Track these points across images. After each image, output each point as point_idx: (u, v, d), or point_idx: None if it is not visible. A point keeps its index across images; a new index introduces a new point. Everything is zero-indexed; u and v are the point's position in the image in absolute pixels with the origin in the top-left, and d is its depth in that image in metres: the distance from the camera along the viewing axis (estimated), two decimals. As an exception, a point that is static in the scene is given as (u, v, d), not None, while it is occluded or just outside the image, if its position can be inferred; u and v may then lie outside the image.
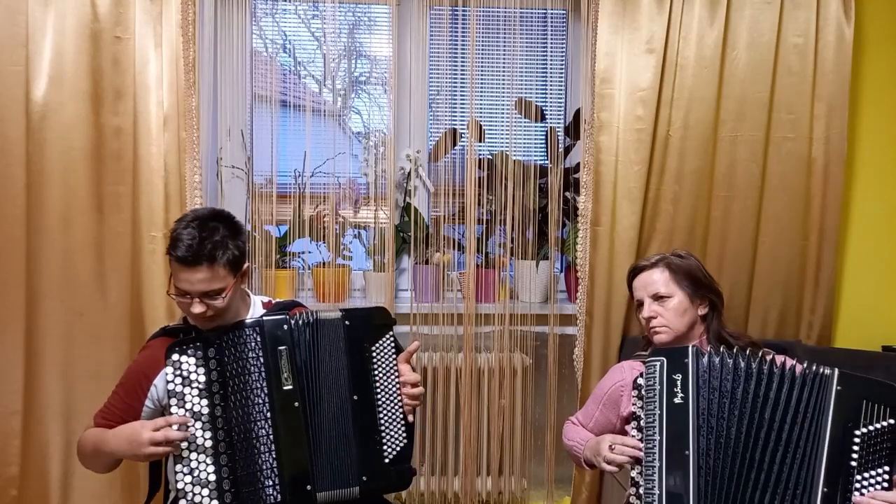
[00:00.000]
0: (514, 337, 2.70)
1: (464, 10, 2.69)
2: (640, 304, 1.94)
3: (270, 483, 1.61)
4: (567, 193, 2.75)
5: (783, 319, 2.60)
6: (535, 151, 2.88)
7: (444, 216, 2.77)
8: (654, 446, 1.60)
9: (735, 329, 2.03)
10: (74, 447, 2.34)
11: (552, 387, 2.69)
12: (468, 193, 2.68)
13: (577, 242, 2.62)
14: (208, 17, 2.66)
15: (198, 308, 1.64)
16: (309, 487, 1.64)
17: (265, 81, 2.75)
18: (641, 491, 1.61)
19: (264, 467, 1.62)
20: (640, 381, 1.68)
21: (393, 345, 1.78)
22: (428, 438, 2.67)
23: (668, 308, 1.89)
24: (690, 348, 1.66)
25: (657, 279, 1.92)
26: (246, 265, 1.73)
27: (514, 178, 2.69)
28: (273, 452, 1.63)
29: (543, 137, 2.81)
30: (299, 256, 2.77)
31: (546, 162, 2.79)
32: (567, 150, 2.79)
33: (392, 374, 1.75)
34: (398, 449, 1.72)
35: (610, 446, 1.70)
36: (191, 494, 1.58)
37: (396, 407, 1.74)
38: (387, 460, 1.71)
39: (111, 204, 2.42)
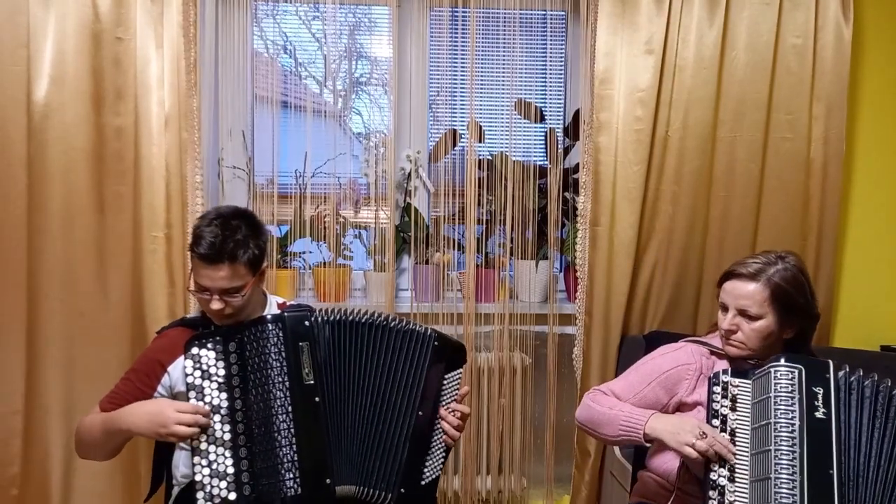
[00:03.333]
0: (513, 336, 2.70)
1: (464, 11, 2.70)
2: (724, 308, 1.77)
3: (290, 476, 1.62)
4: (566, 194, 2.76)
5: (782, 319, 2.61)
6: (535, 152, 2.89)
7: (444, 216, 2.78)
8: (794, 458, 1.48)
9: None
10: (74, 437, 2.36)
11: (552, 386, 2.70)
12: (468, 193, 2.68)
13: (577, 242, 2.63)
14: (209, 17, 2.66)
15: (216, 305, 1.67)
16: (328, 480, 1.64)
17: (266, 82, 2.76)
18: (730, 497, 1.51)
19: (284, 460, 1.62)
20: (726, 378, 1.59)
21: (459, 382, 1.80)
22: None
23: (752, 328, 1.73)
24: (831, 363, 1.56)
25: (752, 295, 1.72)
26: (265, 265, 1.75)
27: (513, 178, 2.70)
28: (293, 445, 1.63)
29: (543, 138, 2.82)
30: (300, 256, 2.77)
31: (545, 162, 2.79)
32: (566, 151, 2.80)
33: (450, 409, 1.78)
34: (434, 476, 1.74)
35: (702, 434, 1.58)
36: (209, 486, 1.59)
37: (443, 438, 1.77)
38: (423, 482, 1.72)
39: (112, 204, 2.43)
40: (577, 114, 2.73)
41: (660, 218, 2.57)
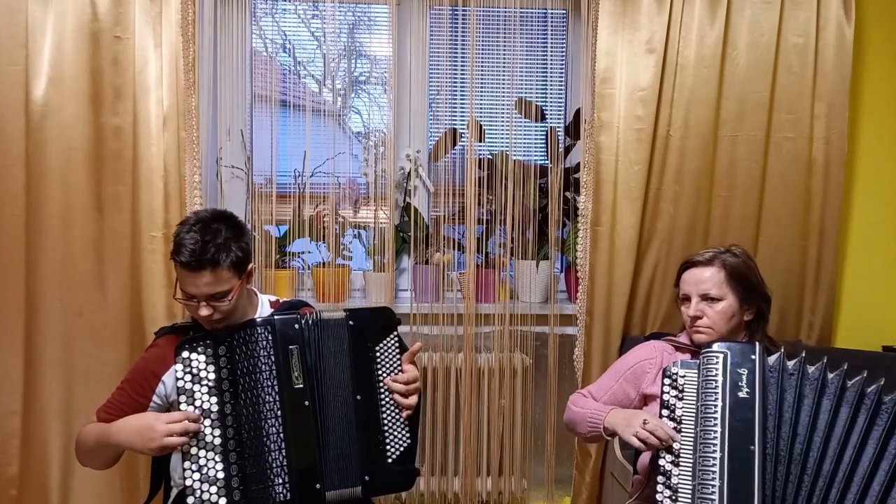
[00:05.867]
0: (514, 337, 2.69)
1: (464, 10, 2.69)
2: (686, 299, 1.88)
3: (280, 481, 1.62)
4: (567, 193, 2.75)
5: (783, 319, 2.60)
6: (535, 151, 2.88)
7: (444, 216, 2.77)
8: (715, 437, 1.55)
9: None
10: (74, 447, 2.35)
11: (552, 387, 2.69)
12: (468, 193, 2.67)
13: (578, 242, 2.62)
14: (208, 16, 2.66)
15: (204, 311, 1.65)
16: (318, 486, 1.64)
17: (265, 81, 2.75)
18: (675, 480, 1.57)
19: (274, 465, 1.62)
20: (675, 369, 1.65)
21: (397, 345, 1.77)
22: (428, 438, 2.67)
23: (716, 310, 1.83)
24: (757, 345, 1.63)
25: (710, 278, 1.85)
26: (251, 265, 1.73)
27: (514, 178, 2.69)
28: (283, 450, 1.63)
29: (543, 137, 2.81)
30: (299, 256, 2.76)
31: (546, 162, 2.78)
32: (567, 150, 2.79)
33: (396, 375, 1.75)
34: (401, 449, 1.73)
35: (644, 422, 1.66)
36: (199, 492, 1.58)
37: (398, 408, 1.75)
38: (390, 460, 1.71)
39: (111, 204, 2.42)
40: (577, 113, 2.72)
41: (661, 218, 2.56)
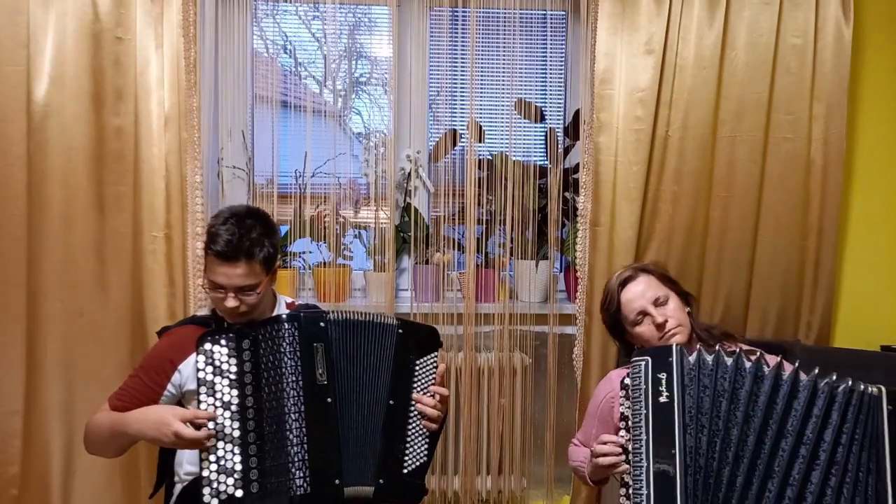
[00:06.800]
0: (513, 336, 2.70)
1: (464, 11, 2.70)
2: (644, 313, 1.88)
3: (300, 475, 1.63)
4: (566, 194, 2.76)
5: (782, 319, 2.61)
6: (535, 152, 2.89)
7: (444, 216, 2.78)
8: (641, 446, 1.58)
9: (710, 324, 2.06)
10: (75, 447, 2.36)
11: (552, 386, 2.70)
12: (468, 193, 2.68)
13: (577, 242, 2.63)
14: (209, 17, 2.66)
15: (231, 302, 1.68)
16: (337, 481, 1.66)
17: (266, 82, 2.76)
18: (630, 491, 1.60)
19: (295, 459, 1.63)
20: (627, 380, 1.67)
21: (435, 366, 1.81)
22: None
23: (673, 308, 1.86)
24: (674, 347, 1.64)
25: (650, 284, 1.89)
26: (278, 264, 1.77)
27: (513, 178, 2.70)
28: (304, 445, 1.64)
29: (543, 138, 2.82)
30: (300, 256, 2.77)
31: (546, 162, 2.79)
32: (566, 151, 2.80)
33: (428, 392, 1.79)
34: (418, 463, 1.75)
35: (594, 455, 1.71)
36: (216, 483, 1.60)
37: (423, 423, 1.78)
38: (405, 470, 1.73)
39: (112, 204, 2.42)
40: (577, 114, 2.73)
41: (660, 218, 2.57)
